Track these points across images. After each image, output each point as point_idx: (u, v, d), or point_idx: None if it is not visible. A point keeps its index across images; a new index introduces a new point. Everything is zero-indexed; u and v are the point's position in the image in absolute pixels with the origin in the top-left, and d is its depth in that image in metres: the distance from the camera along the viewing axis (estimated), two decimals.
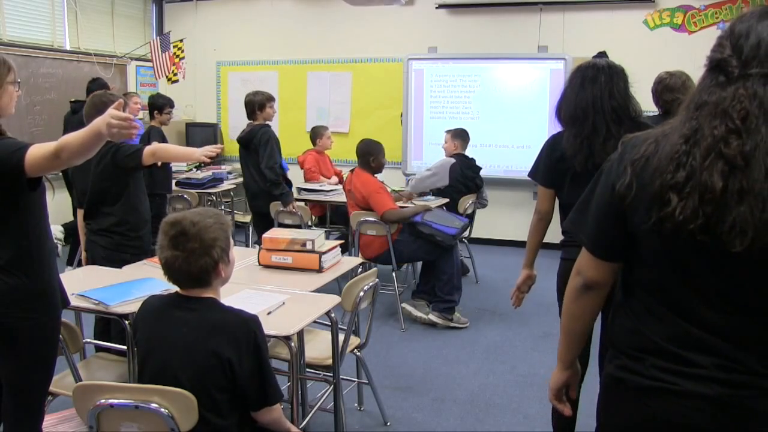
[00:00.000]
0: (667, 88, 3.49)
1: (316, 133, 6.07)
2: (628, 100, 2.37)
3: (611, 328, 1.43)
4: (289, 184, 5.04)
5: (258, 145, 4.87)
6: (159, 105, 5.46)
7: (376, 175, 4.58)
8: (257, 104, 5.03)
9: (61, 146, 1.76)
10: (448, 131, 5.51)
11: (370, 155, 4.53)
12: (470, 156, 5.44)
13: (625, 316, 1.38)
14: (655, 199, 1.20)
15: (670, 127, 1.25)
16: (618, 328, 1.40)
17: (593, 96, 2.34)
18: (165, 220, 1.85)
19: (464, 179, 5.28)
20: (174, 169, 6.26)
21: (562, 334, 1.55)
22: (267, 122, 5.02)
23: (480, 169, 5.47)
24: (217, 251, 1.82)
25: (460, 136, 5.41)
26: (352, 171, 4.63)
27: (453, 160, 5.29)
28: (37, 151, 1.78)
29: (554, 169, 2.48)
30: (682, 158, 1.17)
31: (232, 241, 1.94)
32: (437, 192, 5.27)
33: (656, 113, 3.70)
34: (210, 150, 3.26)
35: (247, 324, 1.82)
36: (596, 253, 1.40)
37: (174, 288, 1.91)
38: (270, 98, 5.13)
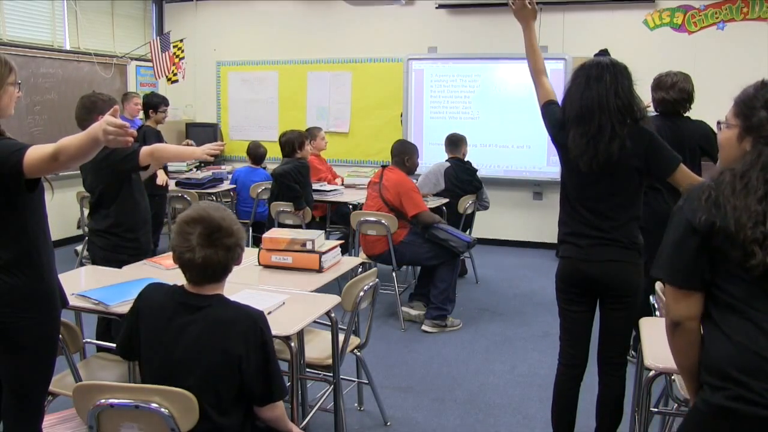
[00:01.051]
0: (658, 86, 3.50)
1: (310, 135, 6.05)
2: (632, 99, 2.36)
3: (708, 354, 1.45)
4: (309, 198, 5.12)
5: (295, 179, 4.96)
6: (154, 104, 5.41)
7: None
8: (297, 143, 5.08)
9: (59, 149, 1.76)
10: None
11: (405, 154, 4.56)
12: (466, 159, 5.44)
13: (727, 340, 1.40)
14: (741, 250, 1.38)
15: (722, 178, 1.44)
16: (720, 354, 1.41)
17: (599, 95, 2.33)
18: (184, 219, 1.82)
19: (460, 183, 5.27)
20: (174, 169, 6.26)
21: (680, 371, 1.59)
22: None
23: (476, 171, 5.46)
24: (244, 242, 1.89)
25: (449, 142, 5.42)
26: (384, 166, 4.63)
27: (447, 164, 5.31)
28: (35, 152, 1.78)
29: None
30: (759, 218, 1.37)
31: None
32: (436, 193, 5.28)
33: (655, 113, 3.70)
34: (212, 148, 3.22)
35: (255, 320, 1.82)
36: (676, 282, 1.48)
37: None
38: (306, 135, 5.21)
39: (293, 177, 4.94)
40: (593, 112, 2.33)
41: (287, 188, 4.93)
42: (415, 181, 5.58)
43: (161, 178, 5.03)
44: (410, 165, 4.58)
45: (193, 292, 1.86)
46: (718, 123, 1.60)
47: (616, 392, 2.53)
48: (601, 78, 2.35)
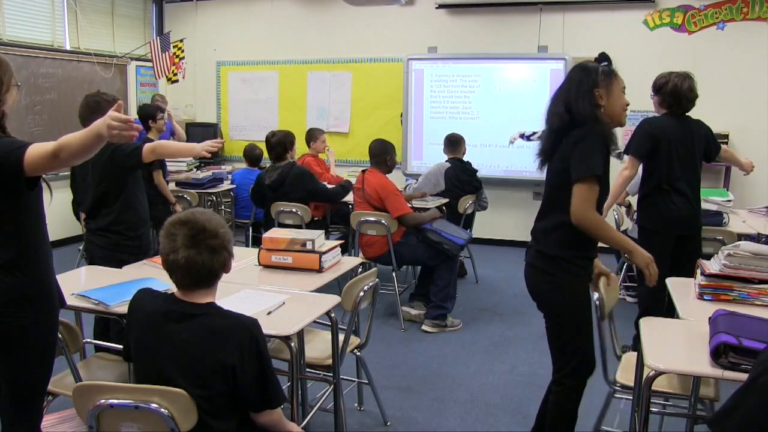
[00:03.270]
0: (674, 87, 3.51)
1: (310, 136, 6.04)
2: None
3: None
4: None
5: (294, 185, 4.92)
6: (150, 113, 5.29)
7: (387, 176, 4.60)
8: (288, 142, 5.06)
9: (60, 146, 1.75)
10: None
11: (386, 154, 4.54)
12: (466, 160, 5.43)
13: None
14: None
15: None
16: None
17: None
18: (171, 221, 1.82)
19: (460, 183, 5.27)
20: (174, 169, 6.25)
21: None
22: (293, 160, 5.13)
23: (476, 171, 5.46)
24: (231, 247, 1.86)
25: (448, 143, 5.41)
26: (364, 171, 4.63)
27: (448, 165, 5.31)
28: (36, 150, 1.78)
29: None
30: None
31: None
32: (437, 193, 5.28)
33: (655, 113, 3.71)
34: (211, 145, 3.23)
35: (249, 329, 1.80)
36: None
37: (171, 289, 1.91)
38: (291, 135, 5.18)
39: (301, 186, 4.95)
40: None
41: (297, 198, 4.95)
42: (415, 181, 5.61)
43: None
44: (391, 164, 4.57)
45: (184, 300, 1.83)
46: None
47: (550, 411, 2.48)
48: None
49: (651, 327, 2.21)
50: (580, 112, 2.27)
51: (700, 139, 3.56)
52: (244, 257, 3.19)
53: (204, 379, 1.76)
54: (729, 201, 4.50)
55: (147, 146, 3.12)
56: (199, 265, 1.78)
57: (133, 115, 7.54)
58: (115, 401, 1.73)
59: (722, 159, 3.83)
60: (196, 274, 1.80)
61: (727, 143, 5.99)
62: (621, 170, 3.67)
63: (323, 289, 2.74)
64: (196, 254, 1.77)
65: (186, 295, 1.84)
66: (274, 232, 3.18)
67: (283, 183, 4.93)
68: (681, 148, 3.49)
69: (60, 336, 2.24)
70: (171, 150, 3.42)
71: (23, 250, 1.94)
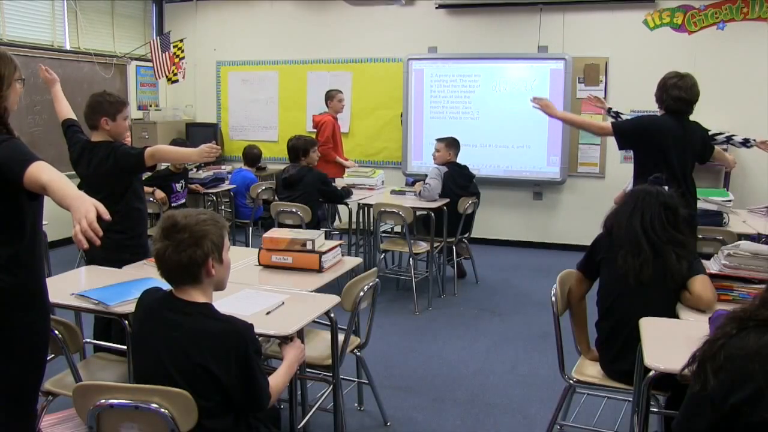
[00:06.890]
0: (676, 86, 3.52)
1: (328, 96, 6.04)
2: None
3: None
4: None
5: (310, 186, 5.03)
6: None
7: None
8: (301, 150, 5.12)
9: (48, 184, 1.77)
10: (440, 140, 5.38)
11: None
12: (463, 164, 5.38)
13: None
14: None
15: None
16: None
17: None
18: (162, 216, 1.88)
19: (457, 188, 5.23)
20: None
21: None
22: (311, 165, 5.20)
23: (473, 176, 5.39)
24: (207, 244, 1.83)
25: (454, 145, 5.36)
26: None
27: (446, 169, 5.28)
28: (35, 172, 1.78)
29: None
30: None
31: (228, 244, 1.94)
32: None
33: (657, 112, 3.71)
34: (207, 152, 3.21)
35: (240, 334, 1.81)
36: None
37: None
38: (313, 143, 5.25)
39: (315, 186, 5.04)
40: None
41: (300, 193, 5.01)
42: (414, 180, 5.60)
43: (158, 195, 5.35)
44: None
45: (179, 298, 1.85)
46: None
47: None
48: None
49: (651, 327, 2.21)
50: None
51: (696, 140, 3.57)
52: (244, 257, 3.19)
53: (191, 378, 1.77)
54: (729, 201, 4.51)
55: (148, 150, 3.14)
56: (165, 257, 1.82)
57: (133, 113, 7.55)
58: (115, 401, 1.74)
59: (713, 159, 3.86)
60: (166, 266, 1.84)
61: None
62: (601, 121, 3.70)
63: (323, 289, 2.74)
64: (163, 247, 1.82)
65: (179, 292, 1.86)
66: (274, 232, 3.18)
67: (302, 180, 5.03)
68: (677, 148, 3.51)
69: (60, 336, 2.25)
70: (171, 155, 3.49)
71: (24, 249, 1.95)
